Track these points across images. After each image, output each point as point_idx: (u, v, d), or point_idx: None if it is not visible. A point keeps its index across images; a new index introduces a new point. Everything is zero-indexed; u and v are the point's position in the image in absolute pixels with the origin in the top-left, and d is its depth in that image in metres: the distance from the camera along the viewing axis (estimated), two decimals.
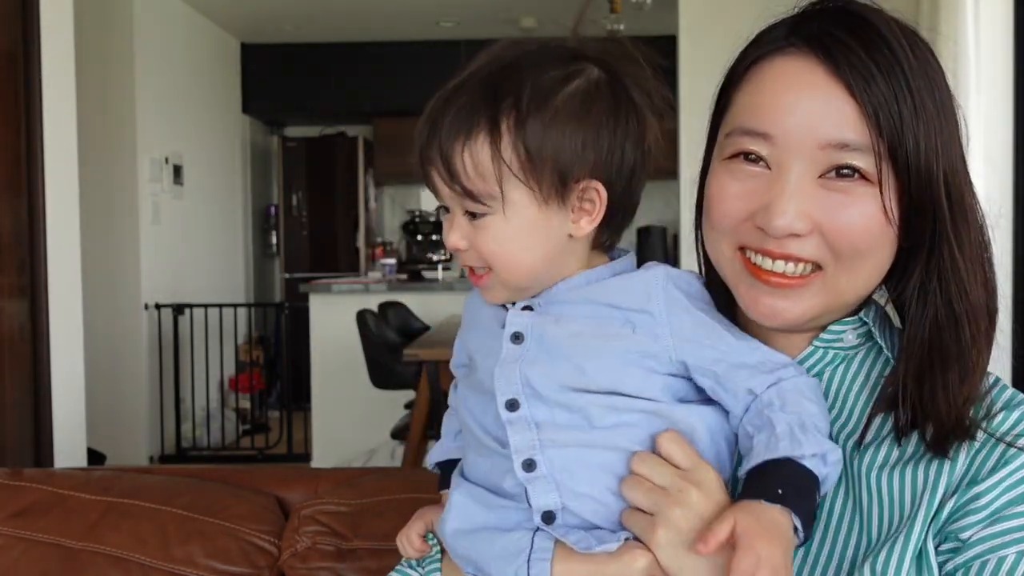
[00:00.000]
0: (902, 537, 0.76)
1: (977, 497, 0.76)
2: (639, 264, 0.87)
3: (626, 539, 0.77)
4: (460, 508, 0.83)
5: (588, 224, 0.82)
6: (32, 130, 2.95)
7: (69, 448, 3.07)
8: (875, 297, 0.88)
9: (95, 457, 3.84)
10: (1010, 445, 0.77)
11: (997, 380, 0.83)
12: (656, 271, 0.83)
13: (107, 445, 4.26)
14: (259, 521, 1.36)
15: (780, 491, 0.72)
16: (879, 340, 0.85)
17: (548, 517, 0.79)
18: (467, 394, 0.88)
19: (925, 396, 0.78)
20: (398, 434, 3.97)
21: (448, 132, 0.80)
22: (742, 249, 0.82)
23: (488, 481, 0.83)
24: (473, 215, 0.81)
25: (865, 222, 0.78)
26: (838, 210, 0.78)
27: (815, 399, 0.79)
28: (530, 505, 0.79)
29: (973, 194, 0.81)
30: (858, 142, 0.76)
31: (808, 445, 0.74)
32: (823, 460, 0.75)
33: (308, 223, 7.13)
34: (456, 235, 0.82)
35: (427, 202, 7.69)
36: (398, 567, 0.96)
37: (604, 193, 0.81)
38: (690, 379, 0.81)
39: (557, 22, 6.12)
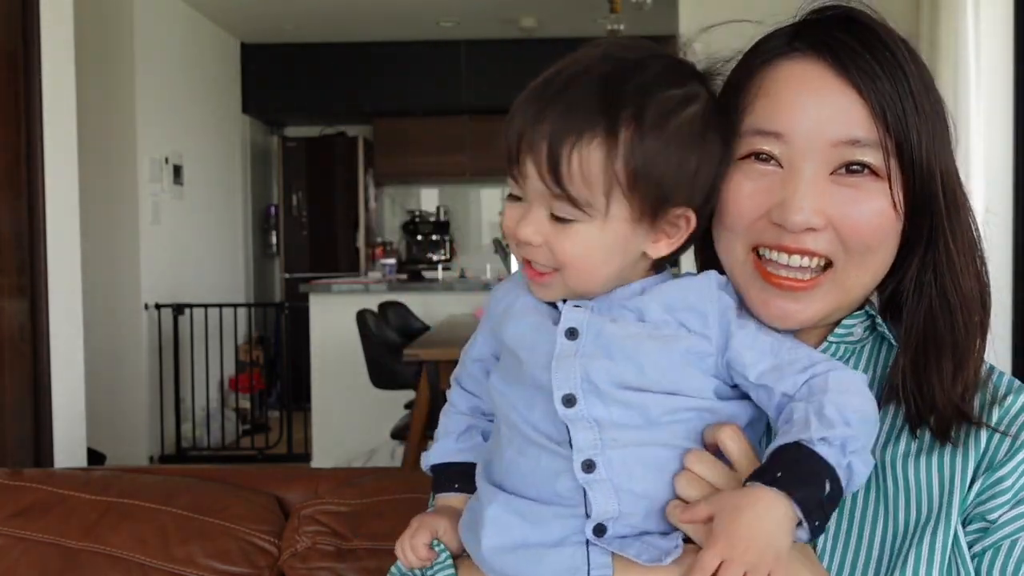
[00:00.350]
0: (942, 526, 0.78)
1: (1000, 480, 0.79)
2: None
3: (681, 544, 0.75)
4: (498, 523, 0.79)
5: (667, 248, 0.82)
6: (32, 130, 2.95)
7: (69, 448, 3.07)
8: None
9: (95, 457, 3.84)
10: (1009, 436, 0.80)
11: (993, 368, 0.86)
12: (709, 277, 0.83)
13: (107, 445, 4.26)
14: (259, 521, 1.36)
15: (779, 474, 0.70)
16: (882, 330, 0.88)
17: (599, 529, 0.76)
18: (505, 389, 0.85)
19: (923, 386, 0.81)
20: (398, 434, 3.97)
21: (560, 127, 0.76)
22: (755, 250, 0.84)
23: (532, 483, 0.80)
24: (559, 218, 0.78)
25: (876, 217, 0.81)
26: (850, 205, 0.80)
27: (849, 390, 0.77)
28: (587, 512, 0.76)
29: (964, 192, 0.85)
30: (867, 138, 0.80)
31: (817, 429, 0.72)
32: (837, 447, 0.72)
33: (308, 223, 7.13)
34: (531, 229, 0.79)
35: (427, 202, 7.70)
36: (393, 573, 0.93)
37: (694, 222, 0.82)
38: (730, 379, 0.81)
39: (556, 22, 6.12)
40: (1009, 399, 0.83)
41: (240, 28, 6.50)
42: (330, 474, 1.50)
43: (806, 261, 0.82)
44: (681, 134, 0.78)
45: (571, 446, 0.78)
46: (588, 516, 0.76)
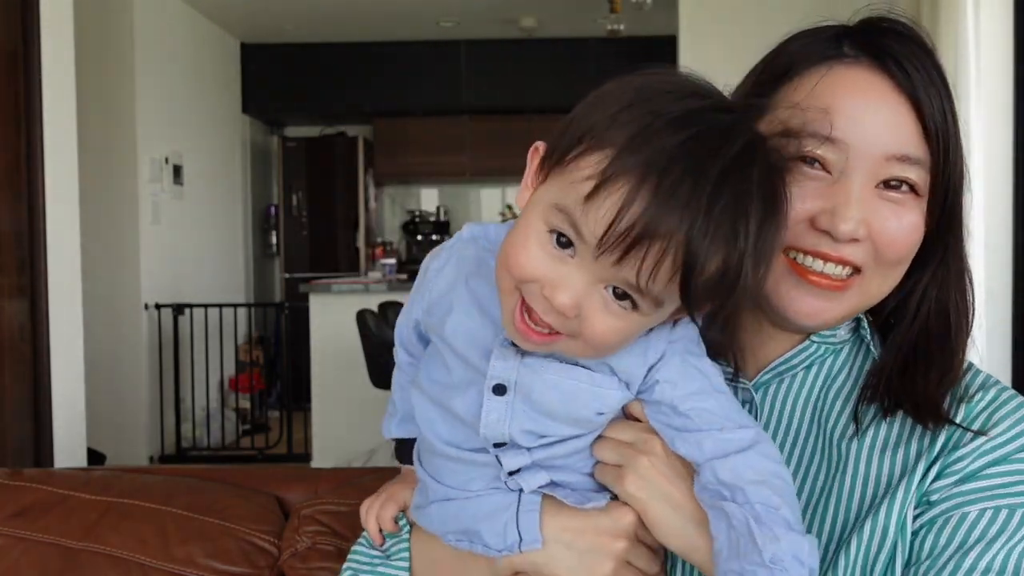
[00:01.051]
0: (883, 503, 0.80)
1: (957, 461, 0.81)
2: None
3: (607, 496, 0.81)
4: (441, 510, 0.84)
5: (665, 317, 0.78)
6: (32, 130, 2.95)
7: (69, 448, 3.07)
8: None
9: (95, 457, 3.84)
10: (979, 433, 0.81)
11: (971, 365, 0.88)
12: (674, 331, 0.79)
13: (107, 445, 4.26)
14: (259, 521, 1.36)
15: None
16: (867, 336, 0.90)
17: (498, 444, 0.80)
18: (427, 406, 0.85)
19: (907, 386, 0.84)
20: None
21: (704, 233, 0.66)
22: (786, 251, 0.84)
23: (458, 483, 0.84)
24: (618, 295, 0.70)
25: (911, 233, 0.83)
26: (891, 219, 0.82)
27: (768, 477, 0.75)
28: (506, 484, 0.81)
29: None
30: (917, 156, 0.81)
31: (783, 546, 0.71)
32: (799, 560, 0.71)
33: (308, 223, 7.13)
34: (567, 297, 0.69)
35: (427, 202, 7.70)
36: (356, 548, 0.95)
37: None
38: None
39: (556, 22, 6.12)
40: (978, 395, 0.85)
41: (240, 28, 6.50)
42: (330, 474, 1.49)
43: (839, 269, 0.83)
44: (751, 257, 0.70)
45: (501, 464, 0.81)
46: (494, 446, 0.80)
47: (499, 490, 0.82)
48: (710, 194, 0.66)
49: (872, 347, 0.90)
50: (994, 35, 2.79)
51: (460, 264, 0.83)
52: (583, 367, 0.77)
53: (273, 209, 7.32)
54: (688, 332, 0.79)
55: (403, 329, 0.92)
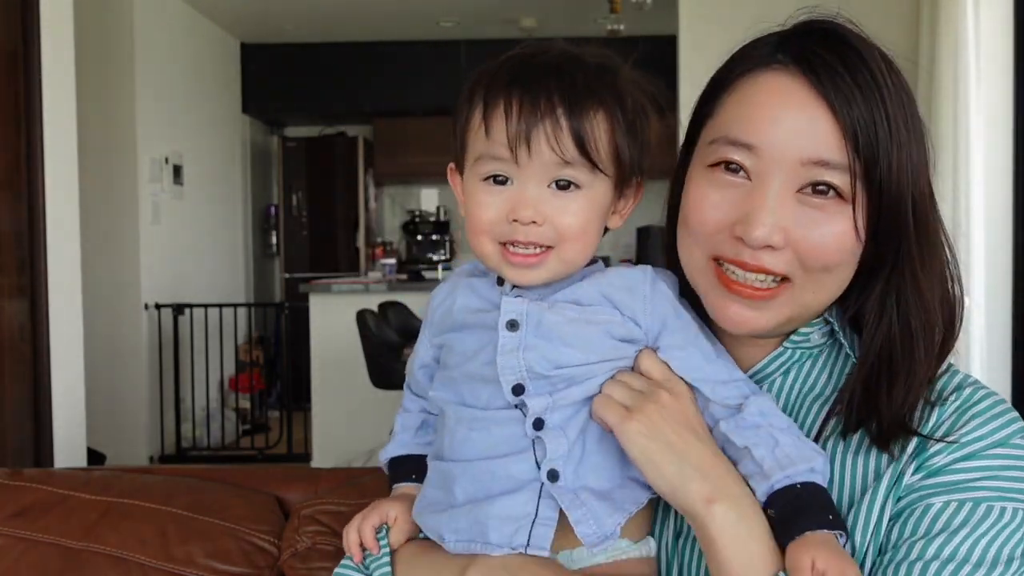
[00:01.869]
0: (863, 504, 0.81)
1: (929, 457, 0.80)
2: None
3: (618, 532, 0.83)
4: (460, 485, 0.85)
5: (619, 220, 0.91)
6: (32, 130, 2.95)
7: (69, 448, 3.07)
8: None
9: (95, 457, 3.84)
10: (945, 441, 0.81)
11: (948, 367, 0.87)
12: (645, 270, 0.89)
13: (107, 445, 4.26)
14: (259, 521, 1.36)
15: (831, 516, 0.77)
16: (842, 339, 0.89)
17: (553, 475, 0.82)
18: (448, 390, 0.89)
19: (870, 405, 0.82)
20: None
21: (575, 98, 0.82)
22: (715, 259, 0.85)
23: (487, 449, 0.85)
24: (562, 186, 0.84)
25: (837, 240, 0.81)
26: (812, 226, 0.81)
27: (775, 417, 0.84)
28: (538, 462, 0.82)
29: (938, 216, 0.85)
30: (837, 161, 0.80)
31: (813, 455, 0.80)
32: (826, 466, 0.81)
33: (308, 223, 7.13)
34: (532, 210, 0.83)
35: (427, 202, 7.70)
36: (338, 572, 0.96)
37: (642, 193, 0.90)
38: None
39: (556, 22, 6.12)
40: (952, 396, 0.84)
41: (240, 28, 6.50)
42: (330, 474, 1.49)
43: (762, 278, 0.83)
44: (646, 115, 0.88)
45: (523, 412, 0.84)
46: (539, 465, 0.82)
47: (527, 490, 0.83)
48: (572, 73, 0.83)
49: (851, 351, 0.88)
50: (994, 35, 2.80)
51: (457, 278, 0.95)
52: (585, 306, 0.86)
53: (273, 209, 7.32)
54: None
55: (412, 371, 0.98)
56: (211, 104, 6.25)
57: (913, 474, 0.80)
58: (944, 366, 0.86)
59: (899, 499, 0.80)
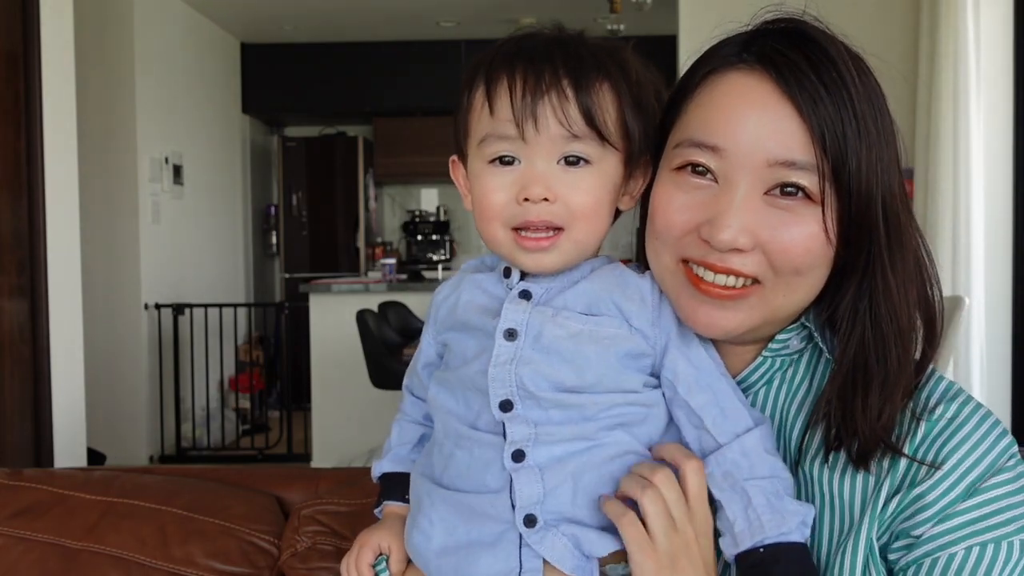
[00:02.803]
0: (851, 539, 0.79)
1: (921, 496, 0.78)
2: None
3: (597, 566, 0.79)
4: (445, 524, 0.81)
5: (630, 201, 0.88)
6: (32, 130, 2.95)
7: (69, 448, 3.07)
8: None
9: (95, 457, 3.85)
10: (933, 466, 0.79)
11: (933, 372, 0.84)
12: (648, 276, 0.86)
13: (107, 445, 4.26)
14: (259, 521, 1.36)
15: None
16: (820, 344, 0.87)
17: (530, 520, 0.78)
18: (445, 392, 0.86)
19: (847, 415, 0.80)
20: None
21: (579, 71, 0.80)
22: (684, 261, 0.83)
23: (467, 475, 0.82)
24: (572, 162, 0.81)
25: (806, 241, 0.79)
26: (780, 228, 0.79)
27: (774, 452, 0.82)
28: (513, 502, 0.78)
29: (910, 216, 0.83)
30: (804, 161, 0.78)
31: (790, 517, 0.77)
32: (804, 524, 0.78)
33: (308, 223, 7.13)
34: (542, 187, 0.80)
35: (427, 202, 7.69)
36: None
37: (650, 172, 0.87)
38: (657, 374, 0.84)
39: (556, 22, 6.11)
40: (939, 410, 0.81)
41: (240, 28, 6.50)
42: (330, 474, 1.49)
43: (731, 280, 0.81)
44: (650, 92, 0.86)
45: (505, 437, 0.80)
46: (514, 507, 0.78)
47: (506, 543, 0.79)
48: (576, 47, 0.82)
49: (831, 355, 0.85)
50: (994, 36, 2.80)
51: (462, 274, 0.92)
52: (592, 315, 0.83)
53: (273, 209, 7.32)
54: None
55: (414, 370, 0.96)
56: (211, 104, 6.25)
57: (904, 510, 0.79)
58: (928, 371, 0.84)
59: (915, 543, 0.78)
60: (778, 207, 0.79)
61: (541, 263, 0.83)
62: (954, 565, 0.76)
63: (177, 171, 5.55)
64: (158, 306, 5.22)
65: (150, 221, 5.22)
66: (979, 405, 0.82)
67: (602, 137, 0.81)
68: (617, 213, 0.89)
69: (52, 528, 1.34)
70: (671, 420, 0.84)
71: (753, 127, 0.79)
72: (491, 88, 0.81)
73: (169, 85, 5.51)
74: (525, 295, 0.84)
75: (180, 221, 5.60)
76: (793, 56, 0.79)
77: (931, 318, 0.83)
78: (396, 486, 0.95)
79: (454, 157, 0.90)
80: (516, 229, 0.82)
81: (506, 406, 0.80)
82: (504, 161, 0.82)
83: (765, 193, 0.80)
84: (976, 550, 0.76)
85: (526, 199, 0.80)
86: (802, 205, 0.79)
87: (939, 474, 0.78)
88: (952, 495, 0.78)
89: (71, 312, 3.12)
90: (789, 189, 0.79)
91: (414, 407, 0.97)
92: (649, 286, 0.85)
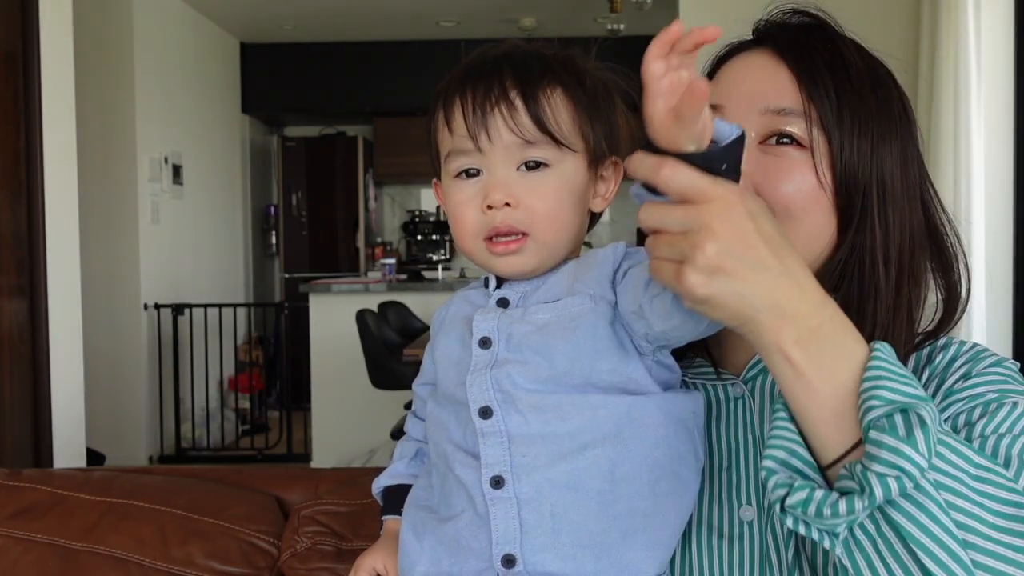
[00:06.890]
0: None
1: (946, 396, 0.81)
2: None
3: None
4: (434, 551, 0.81)
5: (602, 203, 0.89)
6: (32, 130, 2.95)
7: (69, 448, 3.07)
8: None
9: (95, 457, 3.85)
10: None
11: (950, 341, 0.87)
12: (618, 244, 0.86)
13: (107, 445, 4.26)
14: (259, 521, 1.36)
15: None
16: None
17: (508, 560, 0.76)
18: (438, 410, 0.86)
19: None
20: (398, 434, 3.96)
21: (525, 79, 0.83)
22: None
23: (451, 502, 0.82)
24: (531, 167, 0.83)
25: (793, 184, 0.84)
26: (771, 171, 0.84)
27: None
28: (492, 537, 0.77)
29: (907, 196, 0.85)
30: (794, 107, 0.84)
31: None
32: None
33: (308, 223, 7.13)
34: (502, 193, 0.82)
35: (427, 202, 7.70)
36: None
37: (622, 173, 0.87)
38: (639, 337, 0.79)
39: (556, 22, 6.12)
40: (938, 358, 0.85)
41: (240, 28, 6.50)
42: (330, 474, 1.49)
43: None
44: (612, 94, 0.88)
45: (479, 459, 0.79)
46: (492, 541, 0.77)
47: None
48: (524, 58, 0.85)
49: None
50: (994, 35, 2.79)
51: (456, 293, 0.93)
52: (556, 301, 0.83)
53: (273, 209, 7.32)
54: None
55: (417, 393, 0.96)
56: (211, 104, 6.25)
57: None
58: (942, 340, 0.86)
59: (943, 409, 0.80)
60: (772, 154, 0.85)
61: (513, 266, 0.84)
62: (962, 419, 0.77)
63: (177, 171, 5.55)
64: (158, 306, 5.22)
65: (149, 221, 5.22)
66: (978, 344, 0.86)
67: (556, 140, 0.83)
68: (594, 217, 0.90)
69: (51, 528, 1.33)
70: (664, 434, 0.79)
71: (748, 83, 0.87)
72: (447, 108, 0.85)
73: (169, 85, 5.50)
74: (503, 303, 0.85)
75: (180, 221, 5.60)
76: (794, 32, 0.88)
77: (940, 245, 0.87)
78: (395, 500, 0.95)
79: (435, 180, 0.92)
80: (488, 239, 0.84)
81: (485, 413, 0.79)
82: (469, 174, 0.85)
83: (761, 143, 0.85)
84: (979, 408, 0.77)
85: (489, 207, 0.83)
86: (793, 150, 0.84)
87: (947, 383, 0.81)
88: (950, 384, 0.82)
89: (71, 312, 3.12)
90: (785, 139, 0.84)
91: (415, 427, 0.99)
92: (613, 248, 0.84)
